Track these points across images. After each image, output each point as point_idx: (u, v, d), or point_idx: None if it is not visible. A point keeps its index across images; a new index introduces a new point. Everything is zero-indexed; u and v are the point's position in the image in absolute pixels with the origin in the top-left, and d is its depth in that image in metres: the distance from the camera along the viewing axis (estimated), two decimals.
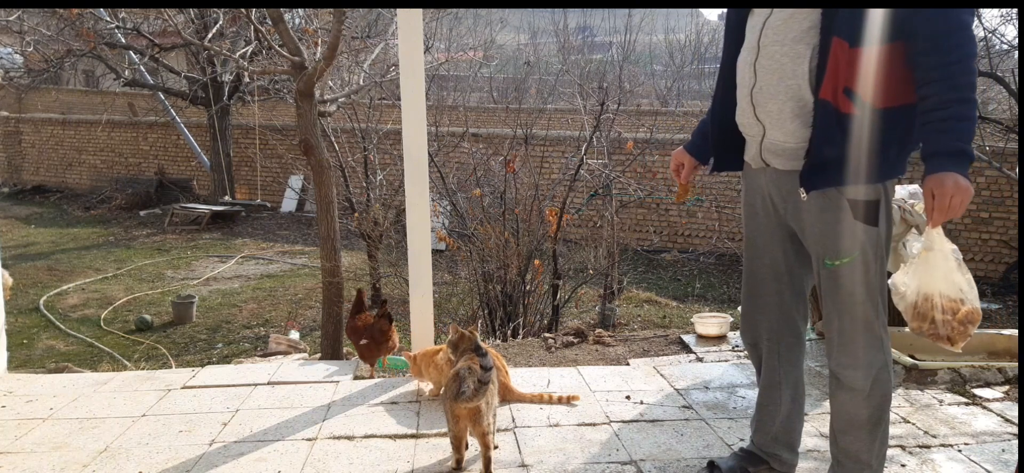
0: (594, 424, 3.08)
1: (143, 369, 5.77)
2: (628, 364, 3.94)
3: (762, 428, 2.53)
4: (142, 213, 16.18)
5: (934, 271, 1.98)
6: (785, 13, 2.14)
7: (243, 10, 8.33)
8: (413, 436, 2.96)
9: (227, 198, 15.96)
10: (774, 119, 2.20)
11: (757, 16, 2.23)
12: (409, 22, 3.50)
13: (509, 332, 5.82)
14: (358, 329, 3.74)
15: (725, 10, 2.47)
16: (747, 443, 2.61)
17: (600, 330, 4.88)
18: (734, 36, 2.34)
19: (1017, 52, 8.34)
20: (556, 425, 3.06)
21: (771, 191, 2.31)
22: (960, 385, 3.47)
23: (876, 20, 2.00)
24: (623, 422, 3.09)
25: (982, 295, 8.95)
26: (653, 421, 3.11)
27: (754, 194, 2.39)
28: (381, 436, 2.97)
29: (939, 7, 1.95)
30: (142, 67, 15.15)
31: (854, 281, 2.14)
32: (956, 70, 1.94)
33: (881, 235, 2.12)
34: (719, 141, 2.44)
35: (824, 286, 2.22)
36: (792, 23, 2.13)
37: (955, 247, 2.02)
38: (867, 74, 2.02)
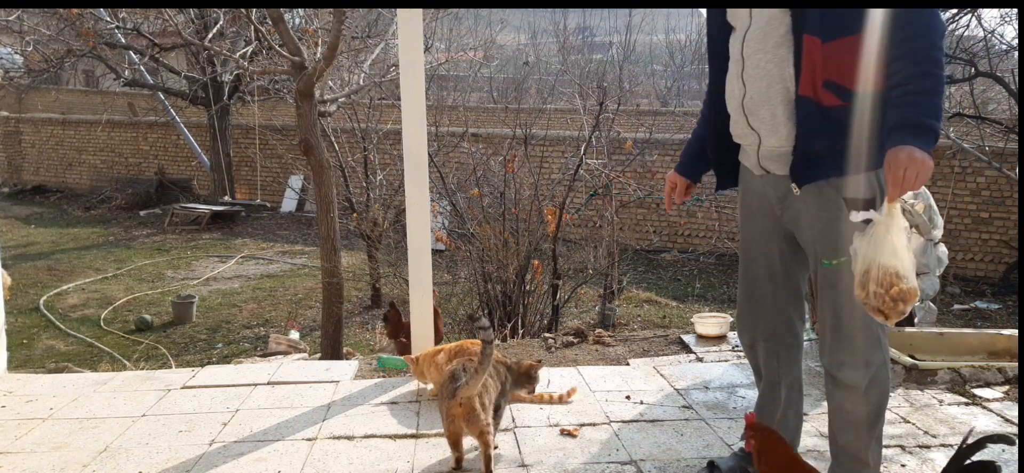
0: (594, 424, 3.08)
1: (143, 369, 5.77)
2: (628, 364, 3.94)
3: None
4: (142, 213, 16.17)
5: (880, 244, 1.97)
6: (762, 21, 2.18)
7: (243, 10, 8.34)
8: (413, 436, 2.96)
9: (227, 198, 15.96)
10: (767, 125, 2.22)
11: (738, 31, 2.26)
12: (409, 22, 3.50)
13: (508, 332, 5.82)
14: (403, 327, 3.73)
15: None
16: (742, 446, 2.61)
17: (600, 330, 4.88)
18: (718, 59, 2.37)
19: (1017, 52, 8.34)
20: (556, 425, 3.06)
21: (769, 193, 2.33)
22: (960, 385, 3.47)
23: (844, 12, 2.03)
24: (623, 422, 3.10)
25: (982, 295, 8.90)
26: (653, 421, 3.11)
27: (751, 196, 2.41)
28: (381, 436, 2.97)
29: (919, 7, 1.96)
30: (142, 67, 15.15)
31: (852, 280, 2.14)
32: (918, 45, 1.94)
33: None
34: (717, 161, 2.49)
35: (821, 285, 2.23)
36: (770, 30, 2.16)
37: (907, 226, 2.02)
38: (844, 64, 2.04)
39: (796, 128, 2.14)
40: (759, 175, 2.34)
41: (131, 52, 14.53)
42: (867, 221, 2.00)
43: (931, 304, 5.53)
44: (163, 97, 16.89)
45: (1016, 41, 8.28)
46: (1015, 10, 7.76)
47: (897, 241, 1.97)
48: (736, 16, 2.27)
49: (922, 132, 1.91)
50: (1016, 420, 3.11)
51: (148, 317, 9.17)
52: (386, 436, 2.97)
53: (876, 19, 1.99)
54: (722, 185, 2.53)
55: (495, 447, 2.75)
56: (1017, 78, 8.57)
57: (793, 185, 2.21)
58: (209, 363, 6.09)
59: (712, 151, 2.49)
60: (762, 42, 2.18)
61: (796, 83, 2.12)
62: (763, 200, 2.35)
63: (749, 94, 2.23)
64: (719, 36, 2.35)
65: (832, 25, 2.03)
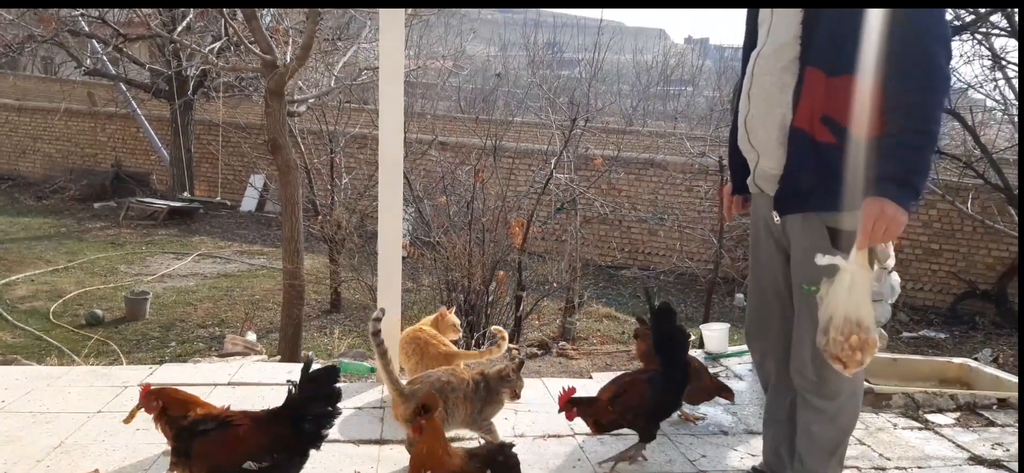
0: (558, 436, 3.09)
1: (93, 365, 5.63)
2: (591, 378, 3.97)
3: (771, 445, 2.54)
4: (96, 205, 15.78)
5: (844, 292, 2.00)
6: (775, 44, 2.20)
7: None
8: (377, 442, 2.95)
9: (186, 194, 15.66)
10: (764, 146, 2.25)
11: (757, 45, 2.29)
12: (391, 23, 3.46)
13: (473, 342, 5.81)
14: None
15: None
16: (759, 462, 2.63)
17: (564, 343, 4.90)
18: (744, 67, 2.39)
19: (1017, 50, 8.54)
20: (521, 436, 3.06)
21: (766, 215, 2.36)
22: (913, 410, 3.57)
23: (852, 50, 2.02)
24: (587, 435, 3.10)
25: (929, 324, 9.06)
26: (616, 435, 3.13)
27: (757, 216, 2.44)
28: (344, 441, 2.94)
29: (924, 7, 1.96)
30: (104, 57, 14.80)
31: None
32: (918, 100, 1.96)
33: None
34: (734, 166, 2.52)
35: (801, 310, 2.26)
36: (781, 53, 2.18)
37: (871, 276, 2.03)
38: (844, 103, 2.05)
39: (786, 158, 2.17)
40: (755, 193, 2.38)
41: (94, 41, 14.19)
42: (834, 266, 2.00)
43: (883, 331, 5.68)
44: (124, 88, 16.53)
45: (1015, 42, 8.41)
46: (1015, 9, 7.85)
47: (860, 290, 1.99)
48: (762, 23, 2.28)
49: (904, 188, 1.95)
50: (967, 447, 3.20)
51: (99, 312, 8.94)
52: (349, 441, 2.94)
53: (882, 62, 1.99)
54: (739, 189, 2.54)
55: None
56: (1017, 80, 8.80)
57: (774, 213, 2.24)
58: (163, 362, 5.96)
59: (730, 154, 2.53)
60: (770, 64, 2.20)
61: (793, 113, 2.14)
62: (765, 220, 2.38)
63: (751, 113, 2.27)
64: (749, 44, 2.37)
65: (838, 61, 2.04)
